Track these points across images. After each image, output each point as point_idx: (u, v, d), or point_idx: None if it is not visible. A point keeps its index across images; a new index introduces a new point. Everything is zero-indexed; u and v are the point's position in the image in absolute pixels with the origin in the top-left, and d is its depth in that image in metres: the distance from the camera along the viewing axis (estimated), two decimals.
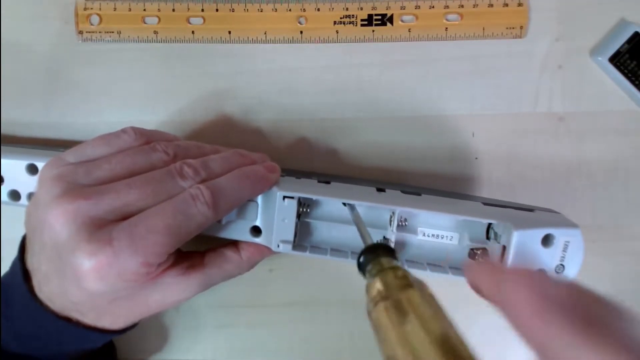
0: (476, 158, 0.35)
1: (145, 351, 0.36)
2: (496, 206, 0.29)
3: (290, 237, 0.27)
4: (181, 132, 0.35)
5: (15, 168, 0.30)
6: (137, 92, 0.34)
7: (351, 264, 0.28)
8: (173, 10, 0.33)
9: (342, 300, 0.36)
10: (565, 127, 0.34)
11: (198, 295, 0.36)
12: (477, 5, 0.33)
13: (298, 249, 0.28)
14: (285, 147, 0.35)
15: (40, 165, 0.29)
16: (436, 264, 0.29)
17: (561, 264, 0.27)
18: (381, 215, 0.29)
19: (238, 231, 0.29)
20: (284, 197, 0.27)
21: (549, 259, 0.27)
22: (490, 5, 0.33)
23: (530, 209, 0.29)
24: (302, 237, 0.29)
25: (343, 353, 0.36)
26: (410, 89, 0.34)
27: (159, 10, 0.33)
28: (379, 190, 0.29)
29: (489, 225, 0.28)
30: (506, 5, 0.33)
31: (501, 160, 0.35)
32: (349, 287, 0.36)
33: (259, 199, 0.28)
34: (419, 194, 0.29)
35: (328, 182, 0.29)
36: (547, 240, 0.26)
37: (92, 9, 0.33)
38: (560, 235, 0.26)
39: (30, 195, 0.30)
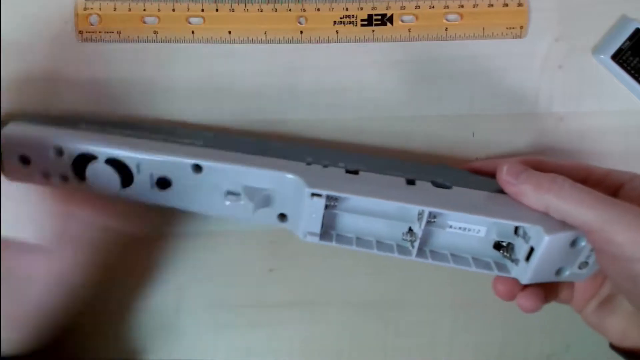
0: (476, 158, 0.35)
1: (145, 351, 0.36)
2: None
3: (318, 229, 0.28)
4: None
5: None
6: (137, 92, 0.34)
7: (375, 255, 0.28)
8: (173, 10, 0.33)
9: (342, 300, 0.36)
10: (565, 127, 0.34)
11: (198, 295, 0.36)
12: (477, 5, 0.33)
13: (324, 238, 0.28)
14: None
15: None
16: (461, 256, 0.29)
17: (585, 261, 0.27)
18: (409, 209, 0.28)
19: (266, 218, 0.29)
20: (312, 194, 0.27)
21: (574, 257, 0.27)
22: (490, 5, 0.33)
23: None
24: (328, 226, 0.29)
25: (343, 353, 0.36)
26: (410, 89, 0.34)
27: (159, 10, 0.33)
28: (409, 182, 0.28)
29: None
30: (506, 5, 0.33)
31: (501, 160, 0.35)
32: (349, 287, 0.36)
33: (287, 190, 0.28)
34: (450, 187, 0.28)
35: (356, 172, 0.28)
36: (575, 242, 0.26)
37: (92, 9, 0.33)
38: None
39: (62, 176, 0.29)
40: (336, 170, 0.29)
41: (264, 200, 0.29)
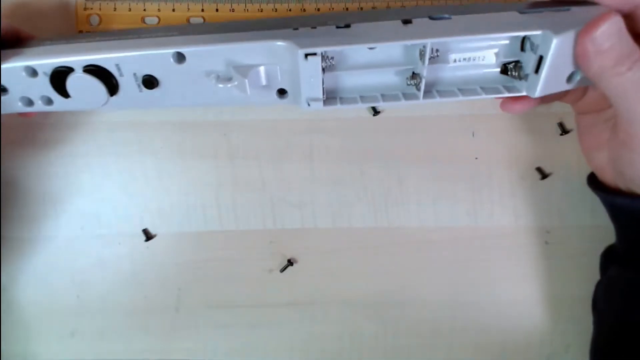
0: (476, 158, 0.35)
1: (145, 351, 0.36)
2: (532, 12, 0.26)
3: (319, 94, 0.26)
4: (181, 131, 0.35)
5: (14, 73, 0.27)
6: None
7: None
8: (173, 10, 0.33)
9: (342, 300, 0.36)
10: (565, 128, 0.34)
11: (198, 295, 0.36)
12: None
13: (328, 103, 0.27)
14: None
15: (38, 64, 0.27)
16: (468, 88, 0.27)
17: None
18: (409, 50, 0.26)
19: (265, 97, 0.27)
20: (306, 55, 0.25)
21: None
22: None
23: (566, 9, 0.26)
24: (330, 91, 0.28)
25: (343, 353, 0.36)
26: None
27: (159, 10, 0.33)
28: (405, 22, 0.26)
29: (524, 36, 0.26)
30: None
31: (501, 160, 0.35)
32: (349, 287, 0.36)
33: (281, 61, 0.26)
34: (449, 17, 0.26)
35: (348, 26, 0.26)
36: None
37: (92, 9, 0.33)
38: None
39: (44, 98, 0.28)
40: (326, 28, 0.26)
41: (257, 75, 0.26)
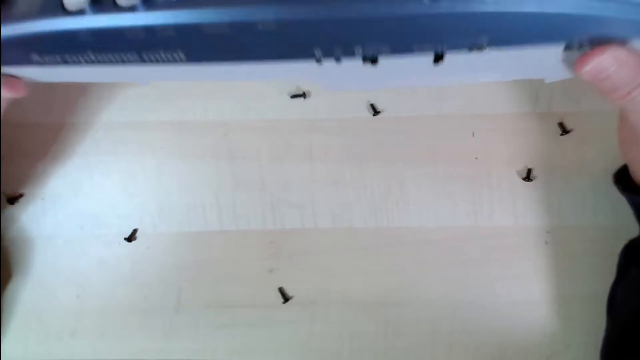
0: (476, 158, 0.35)
1: (145, 351, 0.36)
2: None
3: None
4: (181, 131, 0.35)
5: None
6: (136, 92, 0.34)
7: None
8: None
9: (342, 300, 0.36)
10: (565, 128, 0.34)
11: (198, 295, 0.36)
12: None
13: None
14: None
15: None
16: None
17: None
18: None
19: None
20: None
21: None
22: None
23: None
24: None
25: (343, 353, 0.36)
26: (410, 88, 0.34)
27: None
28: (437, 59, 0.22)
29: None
30: None
31: (501, 160, 0.35)
32: (349, 287, 0.36)
33: None
34: (484, 48, 0.21)
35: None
36: None
37: None
38: None
39: None
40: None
41: None
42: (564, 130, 0.34)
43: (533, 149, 0.34)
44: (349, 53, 0.22)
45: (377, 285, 0.36)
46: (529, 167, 0.34)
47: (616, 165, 0.32)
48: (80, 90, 0.34)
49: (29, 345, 0.36)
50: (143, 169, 0.35)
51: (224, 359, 0.36)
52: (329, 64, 0.22)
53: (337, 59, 0.22)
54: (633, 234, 0.32)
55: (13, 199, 0.35)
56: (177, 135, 0.35)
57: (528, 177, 0.34)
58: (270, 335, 0.36)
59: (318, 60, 0.22)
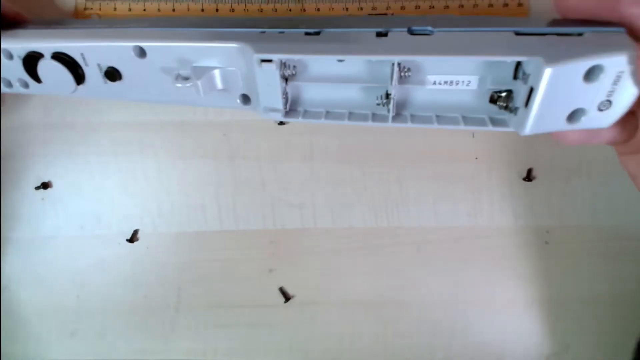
0: (476, 158, 0.35)
1: (145, 351, 0.36)
2: (532, 35, 0.22)
3: (279, 103, 0.24)
4: (181, 131, 0.35)
5: None
6: None
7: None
8: (173, 10, 0.33)
9: (342, 300, 0.36)
10: None
11: (198, 296, 0.36)
12: (477, 5, 0.33)
13: (290, 115, 0.25)
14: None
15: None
16: (447, 116, 0.24)
17: (607, 100, 0.21)
18: (379, 67, 0.24)
19: (224, 101, 0.26)
20: (262, 61, 0.23)
21: (591, 95, 0.21)
22: (491, 5, 0.33)
23: (579, 33, 0.22)
24: (294, 103, 0.26)
25: (343, 353, 0.36)
26: None
27: (159, 10, 0.33)
28: (380, 35, 0.23)
29: (518, 62, 0.22)
30: (506, 5, 0.33)
31: (501, 160, 0.35)
32: (349, 287, 0.36)
33: (239, 65, 0.25)
34: (431, 33, 0.23)
35: (318, 33, 0.24)
36: (591, 74, 0.20)
37: (92, 9, 0.33)
38: (612, 66, 0.20)
39: (21, 81, 0.28)
40: (294, 33, 0.24)
41: (211, 78, 0.25)
42: None
43: (533, 149, 0.34)
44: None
45: (377, 285, 0.36)
46: (529, 167, 0.34)
47: (616, 166, 0.32)
48: None
49: (29, 345, 0.36)
50: (143, 169, 0.35)
51: (223, 359, 0.36)
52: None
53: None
54: (633, 234, 0.32)
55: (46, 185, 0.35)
56: (177, 135, 0.35)
57: (528, 177, 0.34)
58: (270, 335, 0.36)
59: None
